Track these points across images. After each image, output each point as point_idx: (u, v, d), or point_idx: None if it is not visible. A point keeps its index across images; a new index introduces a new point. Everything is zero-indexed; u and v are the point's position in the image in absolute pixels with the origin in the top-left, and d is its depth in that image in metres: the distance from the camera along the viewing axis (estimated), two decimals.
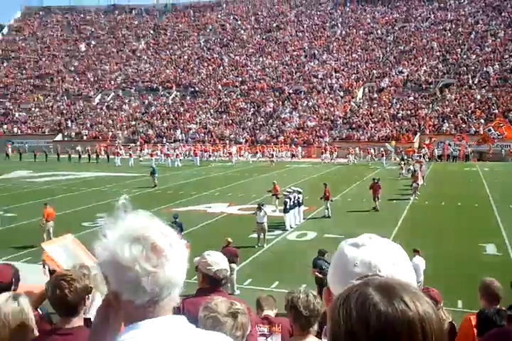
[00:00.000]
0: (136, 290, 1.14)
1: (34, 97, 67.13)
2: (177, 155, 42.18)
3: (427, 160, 39.10)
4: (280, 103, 55.61)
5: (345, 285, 1.04)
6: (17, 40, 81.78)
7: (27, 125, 61.69)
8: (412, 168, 28.01)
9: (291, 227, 17.39)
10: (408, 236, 15.09)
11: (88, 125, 58.84)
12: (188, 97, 61.26)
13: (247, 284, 11.95)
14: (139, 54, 73.62)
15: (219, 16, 78.52)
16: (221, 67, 65.94)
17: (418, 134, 45.65)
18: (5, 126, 62.17)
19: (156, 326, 1.18)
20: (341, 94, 54.69)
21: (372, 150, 41.86)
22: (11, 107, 66.06)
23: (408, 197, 23.43)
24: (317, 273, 10.26)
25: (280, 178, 26.70)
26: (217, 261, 3.24)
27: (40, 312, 3.46)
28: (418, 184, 23.85)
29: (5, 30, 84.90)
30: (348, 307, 0.90)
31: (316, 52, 63.98)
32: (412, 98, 51.10)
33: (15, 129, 61.19)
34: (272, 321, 4.49)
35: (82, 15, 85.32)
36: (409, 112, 48.87)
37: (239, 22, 75.75)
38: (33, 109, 65.07)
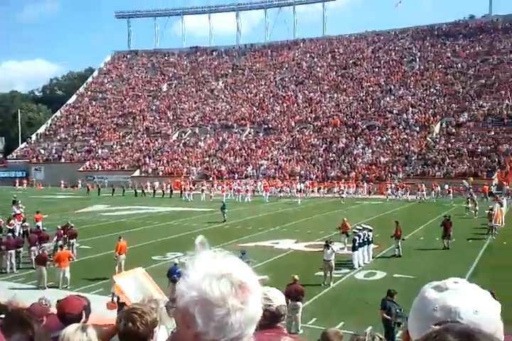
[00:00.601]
0: (223, 328, 1.11)
1: (116, 135, 70.98)
2: (247, 190, 42.74)
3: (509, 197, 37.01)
4: (353, 139, 55.20)
5: (423, 329, 1.01)
6: (105, 82, 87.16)
7: (108, 161, 65.05)
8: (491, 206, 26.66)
9: (359, 266, 16.95)
10: (484, 278, 14.18)
11: (165, 161, 61.16)
12: (261, 134, 62.30)
13: (312, 323, 11.64)
14: (216, 93, 76.02)
15: (296, 55, 79.72)
16: (295, 104, 66.75)
17: (497, 171, 43.64)
18: (87, 163, 65.93)
19: None
20: (417, 129, 53.53)
21: (438, 188, 41.09)
22: (95, 144, 70.11)
23: (484, 236, 22.21)
24: (385, 315, 9.93)
25: (350, 215, 26.25)
26: (276, 296, 3.12)
27: None
28: (496, 223, 22.61)
29: (95, 73, 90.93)
30: None
31: (393, 87, 63.31)
32: (492, 133, 49.11)
33: (95, 165, 64.70)
34: None
35: (166, 58, 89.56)
36: (488, 148, 46.90)
37: (315, 59, 76.56)
38: (114, 146, 68.67)
